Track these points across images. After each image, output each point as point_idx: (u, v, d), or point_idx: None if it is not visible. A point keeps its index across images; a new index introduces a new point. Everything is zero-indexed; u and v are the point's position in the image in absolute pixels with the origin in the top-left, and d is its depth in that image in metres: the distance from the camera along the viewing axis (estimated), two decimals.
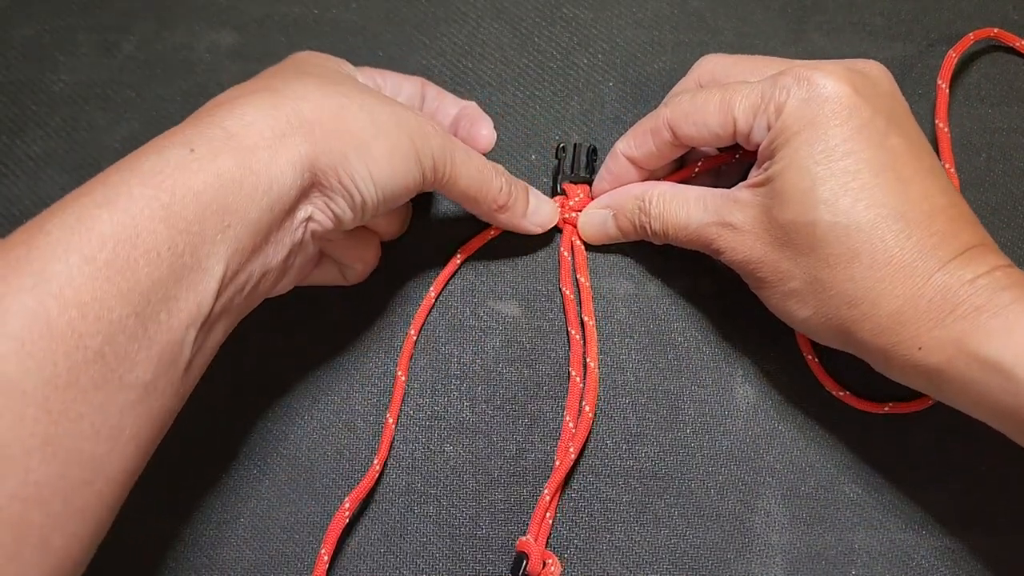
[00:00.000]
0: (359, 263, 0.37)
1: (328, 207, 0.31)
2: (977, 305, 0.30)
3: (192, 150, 0.28)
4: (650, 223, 0.37)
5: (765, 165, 0.33)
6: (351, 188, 0.31)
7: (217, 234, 0.27)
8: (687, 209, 0.36)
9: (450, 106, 0.40)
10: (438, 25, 0.44)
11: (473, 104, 0.40)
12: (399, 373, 0.38)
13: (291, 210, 0.30)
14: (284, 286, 0.33)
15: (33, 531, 0.24)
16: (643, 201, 0.37)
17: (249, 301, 0.31)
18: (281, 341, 0.39)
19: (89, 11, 0.43)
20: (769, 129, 0.33)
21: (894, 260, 0.31)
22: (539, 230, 0.39)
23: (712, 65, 0.38)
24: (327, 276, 0.37)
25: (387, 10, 0.44)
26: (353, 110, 0.31)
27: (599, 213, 0.39)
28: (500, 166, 0.37)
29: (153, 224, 0.26)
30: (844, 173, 0.31)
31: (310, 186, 0.30)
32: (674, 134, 0.35)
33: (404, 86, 0.38)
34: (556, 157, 0.40)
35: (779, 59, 0.36)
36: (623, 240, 0.39)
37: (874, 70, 0.34)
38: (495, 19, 0.44)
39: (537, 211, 0.39)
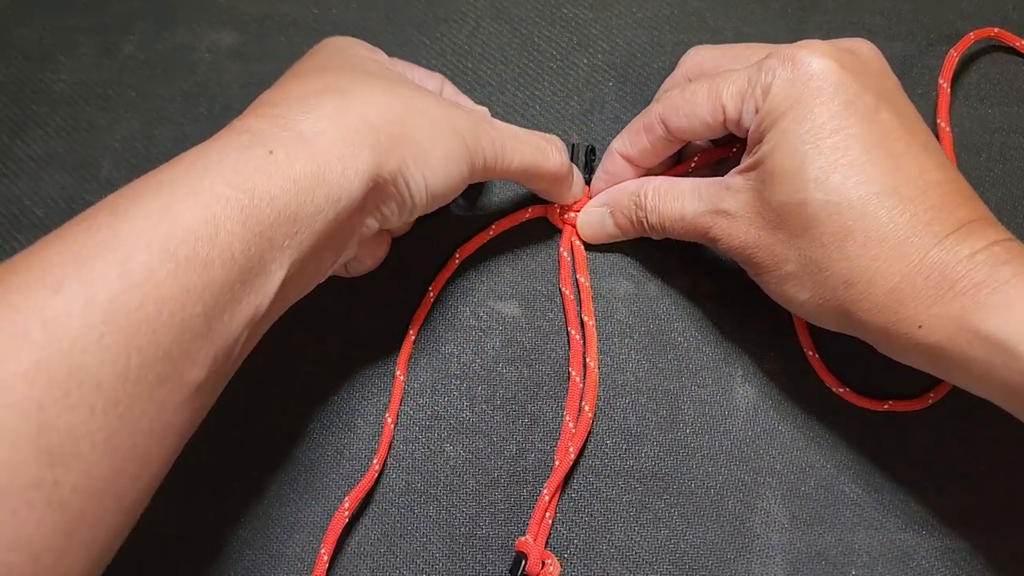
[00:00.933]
0: (370, 259, 0.37)
1: (380, 210, 0.31)
2: (976, 281, 0.29)
3: (271, 152, 0.27)
4: (647, 217, 0.37)
5: (755, 149, 0.33)
6: (405, 194, 0.31)
7: (286, 240, 0.27)
8: (682, 200, 0.36)
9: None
10: (438, 25, 0.44)
11: (485, 110, 0.40)
12: (398, 373, 0.38)
13: (352, 219, 0.30)
14: (317, 281, 0.33)
15: (85, 526, 0.24)
16: (638, 196, 0.37)
17: (292, 299, 0.31)
18: (280, 341, 0.39)
19: (89, 11, 0.43)
20: (757, 112, 0.33)
21: (888, 237, 0.30)
22: (573, 200, 0.39)
23: (699, 58, 0.38)
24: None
25: (387, 10, 0.44)
26: (415, 116, 0.31)
27: (597, 211, 0.39)
28: (555, 137, 0.37)
29: (232, 225, 0.26)
30: (833, 150, 0.31)
31: (371, 194, 0.30)
32: (667, 128, 0.36)
33: (428, 83, 0.38)
34: None
35: (765, 45, 0.36)
36: (622, 238, 0.39)
37: (863, 48, 0.34)
38: (495, 19, 0.44)
39: (577, 180, 0.39)
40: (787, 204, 0.32)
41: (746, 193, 0.33)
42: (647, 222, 0.37)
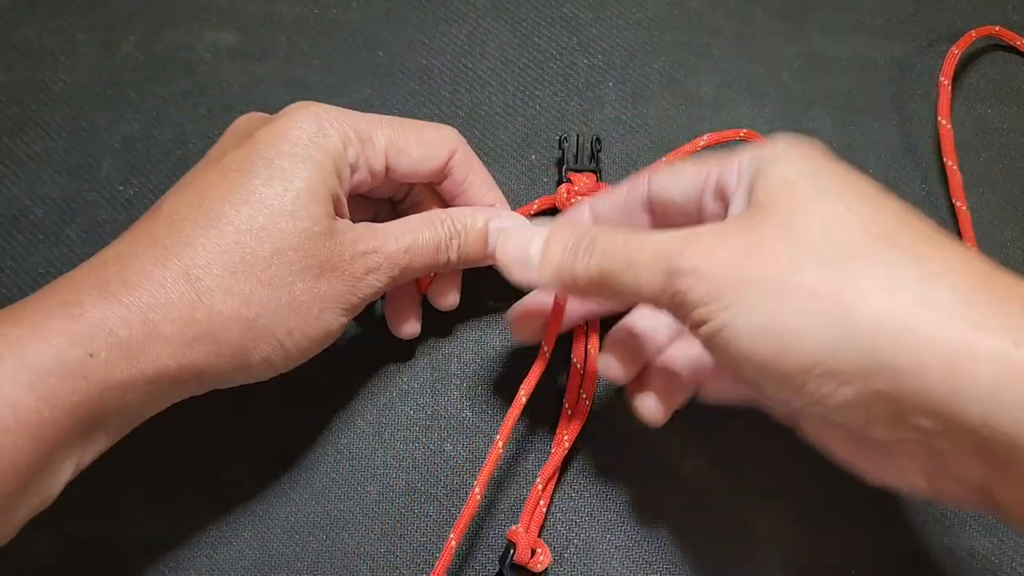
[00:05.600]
0: (444, 300, 0.37)
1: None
2: None
3: (91, 355, 0.26)
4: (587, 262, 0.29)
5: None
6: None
7: (78, 441, 0.27)
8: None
9: (482, 188, 0.36)
10: (438, 25, 0.44)
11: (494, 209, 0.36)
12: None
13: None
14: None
15: None
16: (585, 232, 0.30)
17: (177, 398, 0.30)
18: None
19: (89, 11, 0.43)
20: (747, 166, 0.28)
21: None
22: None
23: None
24: None
25: (387, 10, 0.44)
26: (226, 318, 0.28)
27: (523, 235, 0.31)
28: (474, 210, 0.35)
29: (23, 441, 0.25)
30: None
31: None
32: (649, 185, 0.32)
33: (427, 155, 0.34)
34: (560, 148, 0.40)
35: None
36: (541, 284, 0.31)
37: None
38: (495, 19, 0.44)
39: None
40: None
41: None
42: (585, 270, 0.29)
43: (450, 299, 0.37)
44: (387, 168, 0.33)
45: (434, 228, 0.33)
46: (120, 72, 0.42)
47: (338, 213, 0.31)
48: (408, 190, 0.37)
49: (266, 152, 0.30)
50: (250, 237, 0.28)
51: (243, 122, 0.33)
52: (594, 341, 0.38)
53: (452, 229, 0.34)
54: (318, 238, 0.29)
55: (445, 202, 0.37)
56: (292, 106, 0.32)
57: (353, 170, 0.32)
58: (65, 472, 0.27)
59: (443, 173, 0.35)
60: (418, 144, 0.33)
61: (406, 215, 0.35)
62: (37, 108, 0.42)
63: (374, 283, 0.31)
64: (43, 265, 0.39)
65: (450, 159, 0.35)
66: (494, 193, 0.37)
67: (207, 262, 0.28)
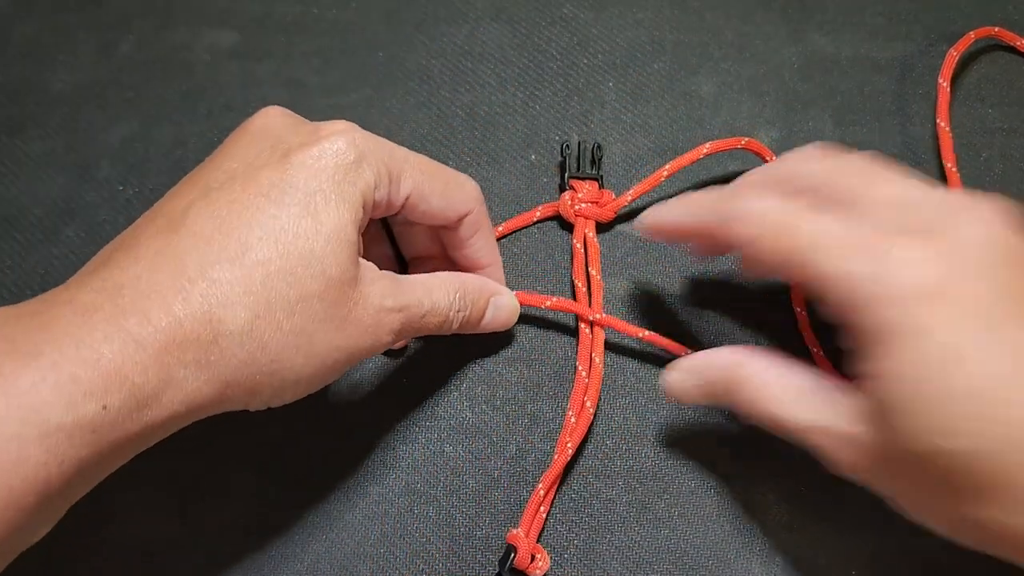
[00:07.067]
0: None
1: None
2: None
3: (104, 407, 0.25)
4: (738, 407, 0.31)
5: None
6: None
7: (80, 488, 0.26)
8: (785, 404, 0.30)
9: (481, 250, 0.36)
10: (438, 25, 0.44)
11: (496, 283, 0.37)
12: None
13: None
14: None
15: None
16: (731, 382, 0.31)
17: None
18: None
19: (88, 10, 0.43)
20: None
21: None
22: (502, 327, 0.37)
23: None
24: None
25: (387, 10, 0.44)
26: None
27: (679, 376, 0.34)
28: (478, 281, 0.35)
29: (30, 499, 0.24)
30: None
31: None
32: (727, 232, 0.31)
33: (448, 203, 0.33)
34: (562, 154, 0.40)
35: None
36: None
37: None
38: (495, 19, 0.44)
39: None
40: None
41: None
42: (738, 411, 0.32)
43: None
44: (401, 207, 0.32)
45: (449, 298, 0.33)
46: (119, 72, 0.42)
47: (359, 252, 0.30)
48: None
49: (303, 183, 0.28)
50: (278, 280, 0.27)
51: (272, 122, 0.31)
52: (599, 349, 0.38)
53: (463, 302, 0.34)
54: (344, 288, 0.28)
55: (436, 232, 0.36)
56: (334, 125, 0.30)
57: (375, 207, 0.31)
58: (61, 511, 0.26)
59: (453, 226, 0.34)
60: (440, 196, 0.33)
61: (397, 231, 0.35)
62: (36, 108, 0.42)
63: (387, 339, 0.31)
64: (42, 265, 0.39)
65: (465, 216, 0.34)
66: (492, 257, 0.37)
67: (231, 302, 0.26)
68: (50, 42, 0.43)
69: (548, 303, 0.38)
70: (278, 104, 0.32)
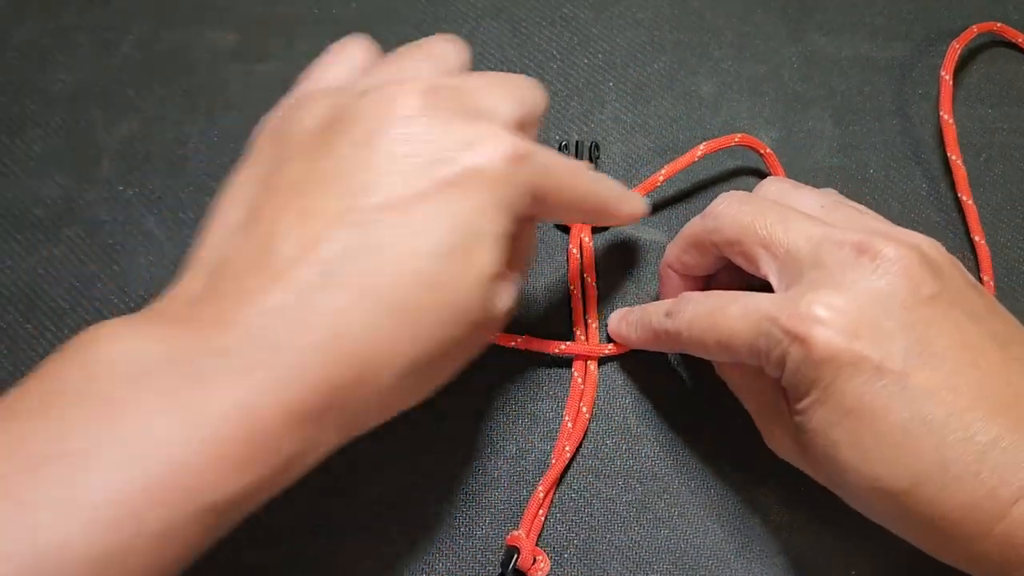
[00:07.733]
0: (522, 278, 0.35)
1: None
2: None
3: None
4: (678, 331, 0.32)
5: None
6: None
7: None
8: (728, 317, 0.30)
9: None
10: (438, 25, 0.44)
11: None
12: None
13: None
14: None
15: None
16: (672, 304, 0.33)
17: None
18: None
19: (88, 10, 0.43)
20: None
21: None
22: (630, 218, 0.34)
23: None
24: None
25: (387, 10, 0.44)
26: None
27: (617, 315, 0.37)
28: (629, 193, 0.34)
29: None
30: None
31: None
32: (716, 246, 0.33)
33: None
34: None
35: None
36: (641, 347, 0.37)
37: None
38: (495, 19, 0.44)
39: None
40: None
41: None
42: (679, 338, 0.32)
43: None
44: None
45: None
46: (119, 72, 0.42)
47: None
48: None
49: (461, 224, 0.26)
50: (433, 345, 0.25)
51: (416, 126, 0.26)
52: (593, 359, 0.38)
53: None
54: (484, 327, 0.28)
55: None
56: (495, 142, 0.26)
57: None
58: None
59: None
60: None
61: None
62: (36, 108, 0.42)
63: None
64: (43, 265, 0.39)
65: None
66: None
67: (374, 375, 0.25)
68: (50, 42, 0.43)
69: (558, 349, 0.38)
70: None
